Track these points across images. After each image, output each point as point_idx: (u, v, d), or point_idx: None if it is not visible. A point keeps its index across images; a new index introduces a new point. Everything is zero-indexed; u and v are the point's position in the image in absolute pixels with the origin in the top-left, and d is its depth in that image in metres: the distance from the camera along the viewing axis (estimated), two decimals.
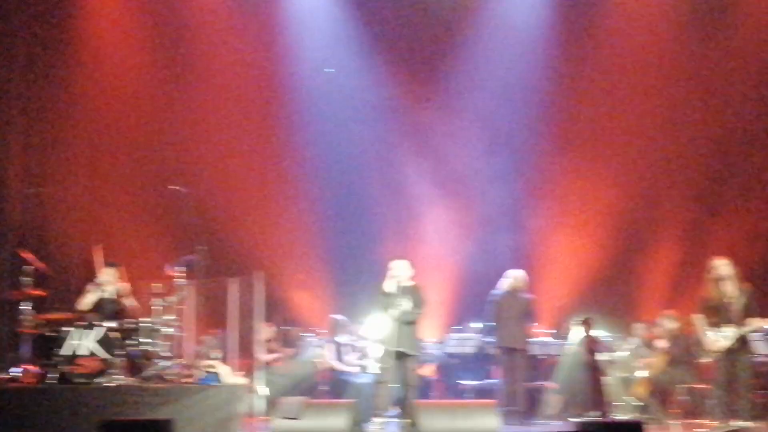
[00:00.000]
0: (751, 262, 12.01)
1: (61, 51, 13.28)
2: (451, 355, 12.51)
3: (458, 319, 13.16)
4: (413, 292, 9.86)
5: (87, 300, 10.61)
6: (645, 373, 11.47)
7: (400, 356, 9.74)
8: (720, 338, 9.65)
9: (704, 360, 10.38)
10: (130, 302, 10.76)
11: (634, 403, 11.42)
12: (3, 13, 12.75)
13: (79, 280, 12.08)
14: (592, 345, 11.84)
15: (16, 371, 10.19)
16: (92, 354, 9.89)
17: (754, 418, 9.59)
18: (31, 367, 10.20)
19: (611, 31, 13.97)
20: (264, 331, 12.25)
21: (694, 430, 9.68)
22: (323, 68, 14.04)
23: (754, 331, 9.93)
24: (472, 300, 12.56)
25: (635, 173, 13.90)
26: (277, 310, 12.65)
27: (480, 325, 12.54)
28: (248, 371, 11.49)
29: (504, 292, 11.48)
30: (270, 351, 12.21)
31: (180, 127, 13.72)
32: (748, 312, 9.67)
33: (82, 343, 9.90)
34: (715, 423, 9.66)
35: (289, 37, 14.02)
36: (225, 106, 13.87)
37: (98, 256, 10.71)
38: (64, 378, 9.80)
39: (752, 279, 10.14)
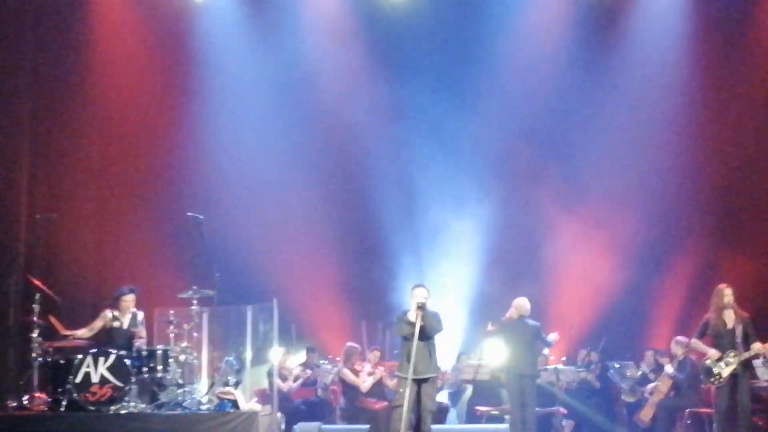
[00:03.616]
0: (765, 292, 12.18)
1: (72, 72, 13.11)
2: (465, 381, 12.43)
3: (474, 344, 13.08)
4: (434, 319, 9.80)
5: (94, 325, 10.45)
6: (651, 398, 11.58)
7: (418, 381, 9.67)
8: (723, 365, 9.94)
9: (708, 385, 10.53)
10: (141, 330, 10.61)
11: (642, 427, 11.56)
12: (12, 32, 12.62)
13: (89, 306, 11.97)
14: (603, 371, 11.91)
15: (25, 399, 10.01)
16: (105, 381, 9.72)
17: None
18: (41, 395, 10.04)
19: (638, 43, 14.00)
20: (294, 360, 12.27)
21: None
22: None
23: (756, 356, 10.25)
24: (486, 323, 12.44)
25: (653, 200, 13.85)
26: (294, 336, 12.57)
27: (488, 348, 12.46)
28: (265, 398, 11.38)
29: (511, 320, 11.41)
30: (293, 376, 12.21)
31: (196, 152, 13.63)
32: (749, 338, 9.99)
33: (95, 370, 9.72)
34: None
35: (304, 55, 13.89)
36: (242, 131, 13.73)
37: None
38: (76, 405, 9.63)
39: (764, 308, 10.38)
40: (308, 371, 12.34)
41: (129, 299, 10.49)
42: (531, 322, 11.43)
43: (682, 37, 13.81)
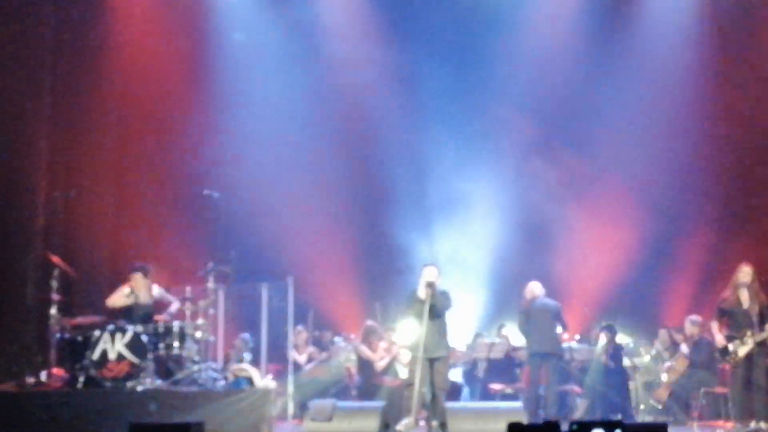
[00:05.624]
0: None
1: (89, 52, 13.14)
2: (479, 360, 12.48)
3: (488, 323, 13.09)
4: (443, 297, 9.87)
5: (117, 296, 10.52)
6: (667, 377, 11.59)
7: (430, 359, 9.74)
8: (739, 344, 9.93)
9: (724, 364, 10.58)
10: (168, 298, 10.70)
11: (656, 407, 11.57)
12: (30, 17, 12.66)
13: (106, 283, 12.05)
14: (616, 350, 11.92)
15: (43, 375, 10.12)
16: (122, 357, 9.81)
17: None
18: (58, 371, 10.16)
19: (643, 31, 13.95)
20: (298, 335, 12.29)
21: None
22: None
23: None
24: (503, 303, 12.47)
25: (663, 179, 13.83)
26: (308, 314, 12.61)
27: (508, 330, 12.64)
28: (279, 374, 11.46)
29: (526, 304, 11.44)
30: (307, 356, 12.22)
31: (212, 131, 13.68)
32: (764, 319, 9.95)
33: (112, 346, 9.82)
34: (734, 425, 9.95)
35: (316, 33, 13.98)
36: (256, 109, 13.76)
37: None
38: (93, 382, 9.74)
39: None
40: (323, 354, 12.42)
41: (136, 277, 10.50)
42: (550, 301, 11.46)
43: (694, 25, 13.77)
